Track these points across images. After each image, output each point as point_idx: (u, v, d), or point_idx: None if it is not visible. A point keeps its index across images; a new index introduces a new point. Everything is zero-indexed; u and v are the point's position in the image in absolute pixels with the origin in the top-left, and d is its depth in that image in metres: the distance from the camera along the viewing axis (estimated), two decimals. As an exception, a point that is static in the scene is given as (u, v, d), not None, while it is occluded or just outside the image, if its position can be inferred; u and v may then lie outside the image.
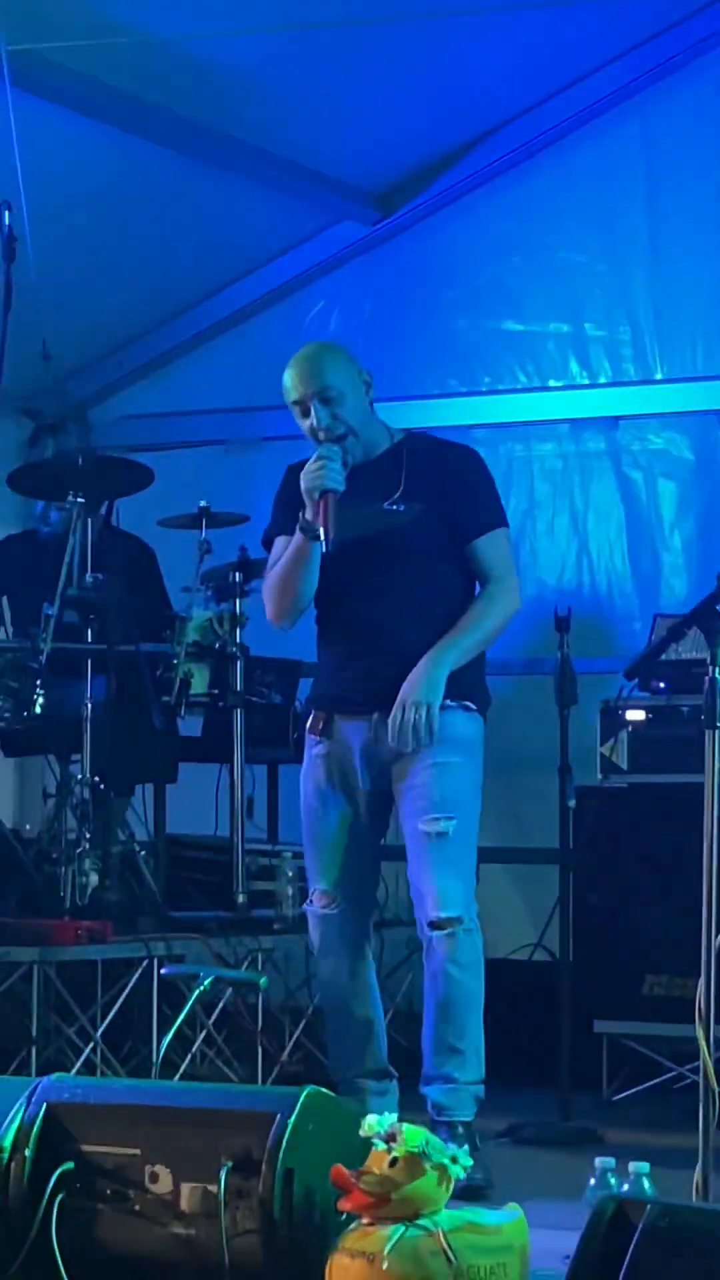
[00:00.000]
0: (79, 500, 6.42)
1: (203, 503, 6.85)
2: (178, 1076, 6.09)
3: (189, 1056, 6.23)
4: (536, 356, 7.93)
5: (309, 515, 5.02)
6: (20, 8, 6.18)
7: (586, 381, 7.84)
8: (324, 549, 4.99)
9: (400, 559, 5.14)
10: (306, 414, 5.15)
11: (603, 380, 7.82)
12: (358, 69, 7.26)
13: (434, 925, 5.11)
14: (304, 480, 5.02)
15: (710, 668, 3.70)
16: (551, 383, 7.91)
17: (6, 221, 6.14)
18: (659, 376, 7.71)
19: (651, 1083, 6.24)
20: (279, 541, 5.29)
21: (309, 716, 5.32)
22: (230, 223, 8.01)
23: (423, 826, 5.10)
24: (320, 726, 5.23)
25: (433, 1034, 5.16)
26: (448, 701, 5.11)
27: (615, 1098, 6.43)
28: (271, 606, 5.28)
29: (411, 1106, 5.10)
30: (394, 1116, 3.49)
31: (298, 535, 5.11)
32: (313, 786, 5.27)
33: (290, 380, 5.21)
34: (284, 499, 5.30)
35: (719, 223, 7.53)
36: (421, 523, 5.13)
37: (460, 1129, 5.07)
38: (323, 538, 4.96)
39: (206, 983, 3.99)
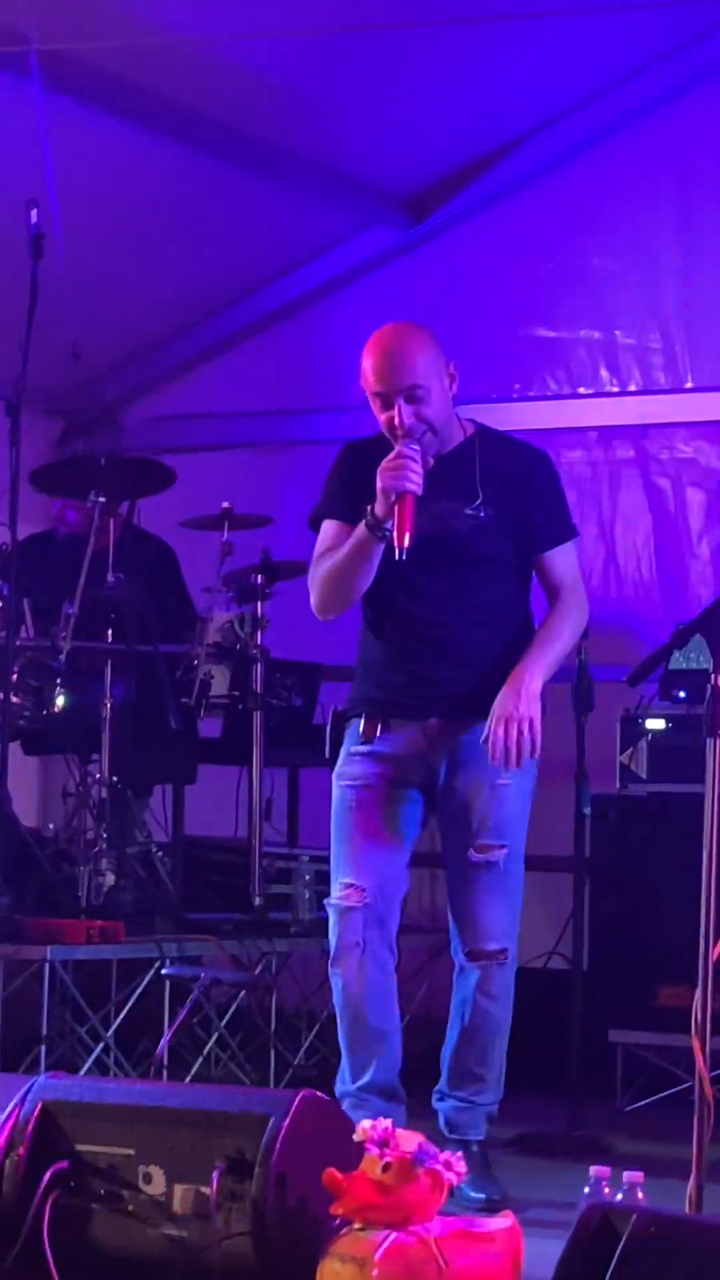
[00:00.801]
0: (100, 499, 6.42)
1: (225, 504, 6.82)
2: (189, 1078, 6.09)
3: (201, 1058, 6.22)
4: (567, 363, 7.92)
5: (379, 511, 4.75)
6: (51, 8, 6.19)
7: (616, 389, 7.83)
8: (397, 556, 4.72)
9: (469, 563, 4.93)
10: (389, 407, 4.85)
11: (632, 388, 7.80)
12: (392, 73, 7.25)
13: (473, 955, 4.95)
14: (382, 479, 4.72)
15: (713, 675, 3.68)
16: (581, 390, 7.89)
17: (34, 220, 6.14)
18: (689, 385, 7.69)
19: (665, 1094, 6.21)
20: (330, 526, 5.00)
21: (354, 719, 5.05)
22: (262, 226, 8.01)
23: (474, 854, 4.92)
24: (374, 733, 4.98)
25: (454, 1056, 5.03)
26: None
27: (629, 1108, 6.40)
28: (321, 597, 4.99)
29: (423, 1115, 5.02)
30: (389, 1121, 3.48)
31: (361, 530, 4.81)
32: (349, 781, 5.00)
33: (376, 370, 4.88)
34: (342, 480, 5.03)
35: (752, 231, 7.51)
36: (490, 528, 4.94)
37: (474, 1147, 4.94)
38: (396, 544, 4.69)
39: (206, 982, 3.94)
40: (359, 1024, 4.99)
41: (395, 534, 4.70)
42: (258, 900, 6.68)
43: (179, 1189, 3.55)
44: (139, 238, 7.80)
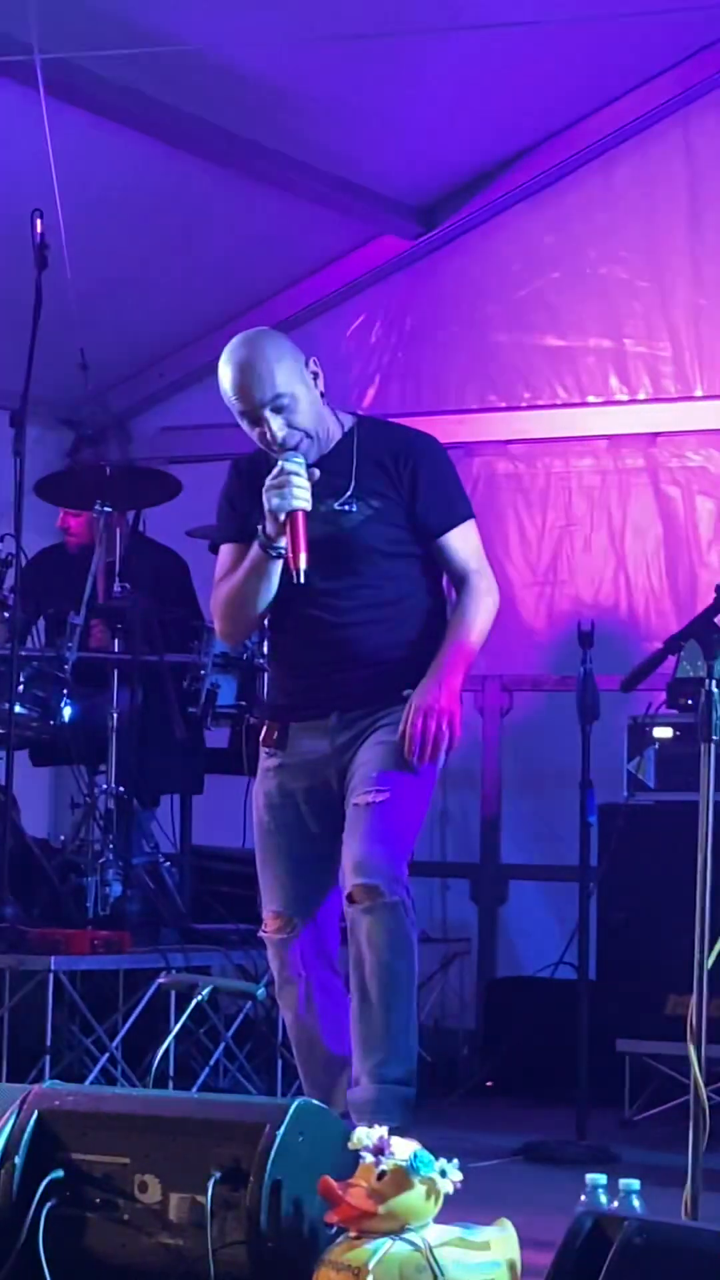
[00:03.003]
0: (106, 509, 6.42)
1: (233, 514, 6.80)
2: (196, 1088, 6.08)
3: (208, 1068, 6.21)
4: (576, 372, 7.92)
5: (269, 531, 4.64)
6: (57, 18, 6.20)
7: (626, 397, 7.83)
8: (295, 579, 4.59)
9: (356, 561, 4.77)
10: (257, 423, 4.69)
11: (642, 396, 7.80)
12: (401, 82, 7.25)
13: (350, 898, 4.64)
14: (268, 498, 4.60)
15: (708, 680, 3.66)
16: (591, 398, 7.89)
17: (39, 230, 6.15)
18: (699, 393, 7.69)
19: (673, 1103, 6.18)
20: (226, 550, 4.88)
21: (261, 728, 4.95)
22: (272, 235, 8.02)
23: (356, 799, 4.70)
24: (274, 737, 4.87)
25: (357, 1029, 4.66)
26: (409, 692, 4.74)
27: (636, 1117, 6.38)
28: (223, 624, 4.90)
29: (422, 1124, 4.96)
30: (384, 1129, 3.47)
31: (255, 551, 4.69)
32: (264, 801, 4.88)
33: (234, 388, 4.70)
34: (231, 501, 4.92)
35: (761, 240, 7.51)
36: (378, 521, 4.78)
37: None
38: (293, 566, 4.58)
39: (205, 992, 3.93)
40: (315, 1055, 4.82)
41: (290, 555, 4.59)
42: (265, 910, 6.66)
43: (174, 1198, 3.54)
44: (148, 248, 7.82)
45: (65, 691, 6.29)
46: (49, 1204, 3.57)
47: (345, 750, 4.79)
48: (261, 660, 6.63)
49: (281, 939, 4.81)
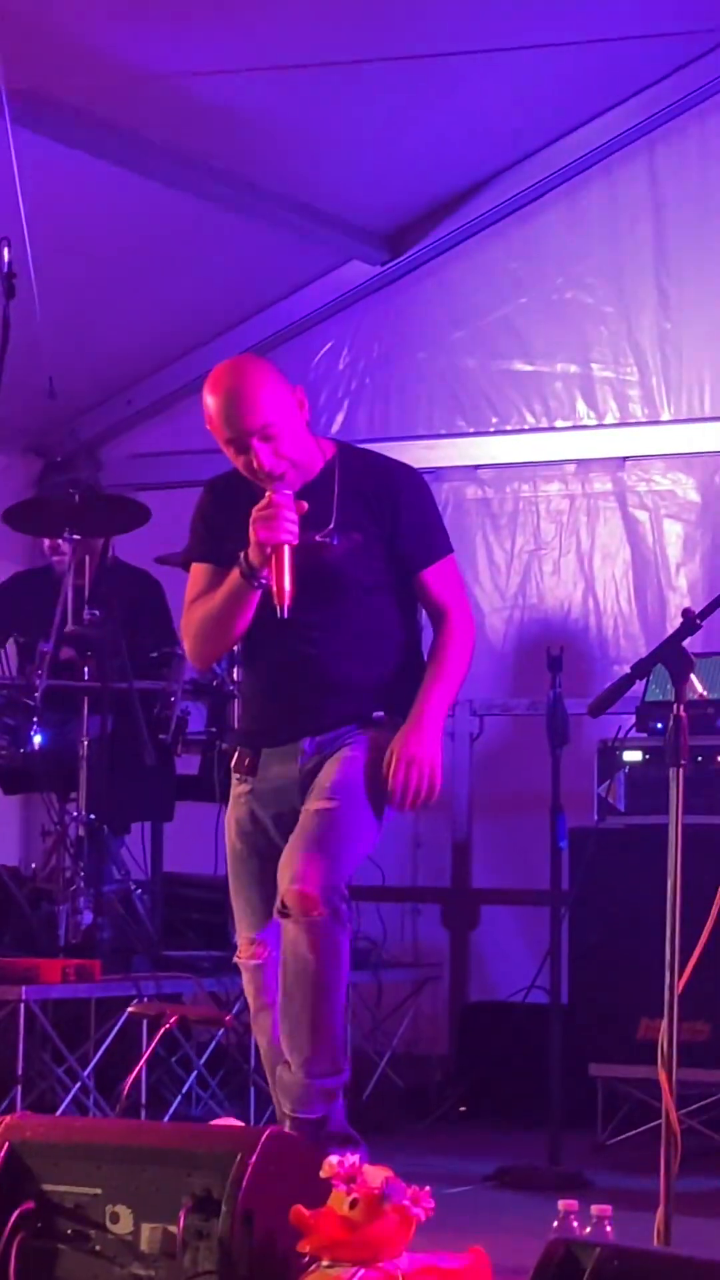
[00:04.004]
0: (74, 537, 6.42)
1: (201, 540, 6.80)
2: (168, 1116, 6.07)
3: (180, 1096, 6.20)
4: (544, 397, 7.93)
5: (254, 560, 4.59)
6: (23, 47, 6.20)
7: (593, 422, 7.85)
8: (280, 614, 4.54)
9: (334, 593, 4.73)
10: (244, 451, 4.65)
11: (610, 421, 7.82)
12: (367, 109, 7.28)
13: (283, 907, 4.57)
14: (256, 530, 4.55)
15: (675, 705, 3.67)
16: (558, 423, 7.91)
17: (6, 258, 6.14)
18: (666, 417, 7.71)
19: (646, 1127, 6.18)
20: (198, 570, 4.84)
21: (233, 755, 4.91)
22: (239, 262, 8.04)
23: (306, 805, 4.68)
24: (245, 764, 4.82)
25: (280, 1023, 4.65)
26: (379, 715, 4.75)
27: (609, 1142, 6.38)
28: (196, 646, 4.83)
29: (398, 1150, 4.98)
30: (356, 1157, 3.47)
31: (236, 579, 4.65)
32: (236, 827, 4.84)
33: (222, 416, 4.65)
34: (206, 521, 4.87)
35: (727, 264, 7.54)
36: (358, 554, 4.74)
37: (305, 1126, 4.53)
38: (277, 601, 4.53)
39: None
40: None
41: (275, 589, 4.55)
42: (236, 937, 6.65)
43: (146, 1228, 3.54)
44: (117, 275, 7.82)
45: (35, 719, 6.28)
46: (20, 1236, 3.56)
47: (313, 774, 4.77)
48: (232, 687, 6.64)
49: (256, 964, 4.78)
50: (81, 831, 6.36)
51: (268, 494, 4.59)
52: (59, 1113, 5.71)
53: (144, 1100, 6.03)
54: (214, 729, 6.68)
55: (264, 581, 4.60)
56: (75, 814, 6.46)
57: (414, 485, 4.91)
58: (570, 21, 6.89)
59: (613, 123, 7.66)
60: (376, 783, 4.72)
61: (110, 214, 7.44)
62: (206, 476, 8.41)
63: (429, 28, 6.77)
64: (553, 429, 7.90)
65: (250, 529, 4.58)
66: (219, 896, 6.79)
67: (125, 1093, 4.75)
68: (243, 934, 4.84)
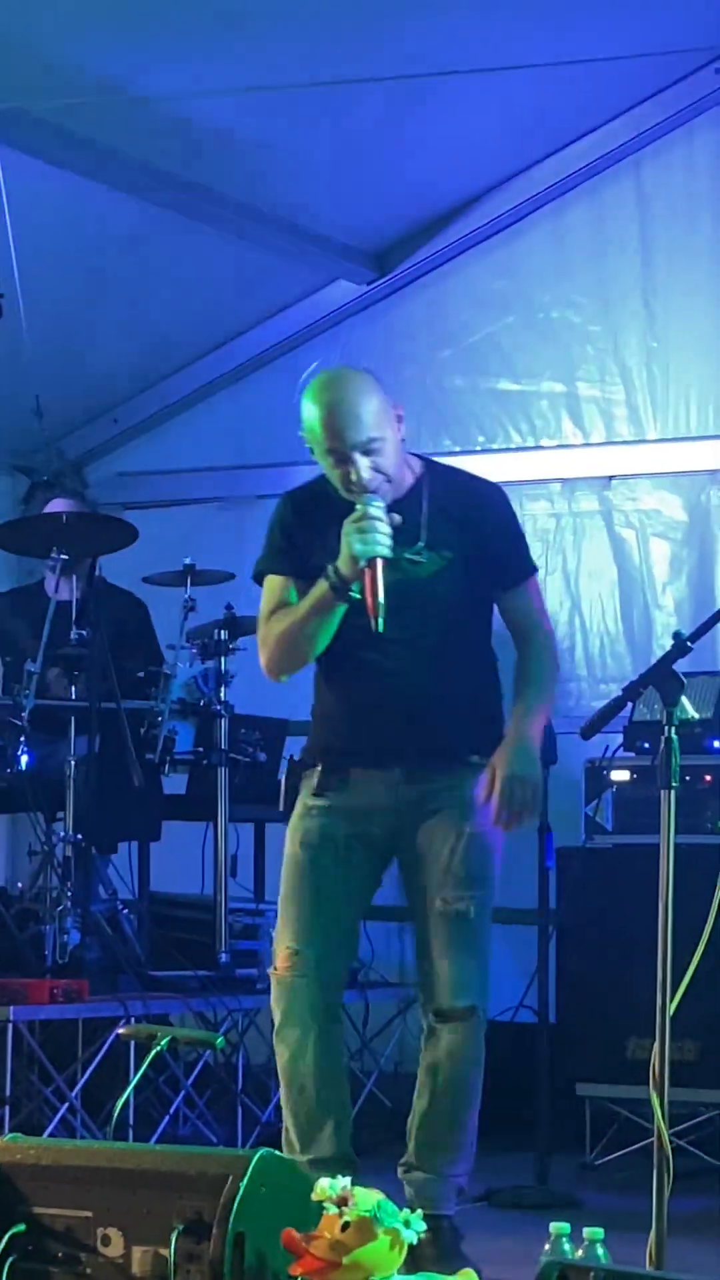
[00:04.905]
0: (62, 557, 6.43)
1: (188, 560, 6.81)
2: (156, 1137, 6.05)
3: (168, 1116, 6.19)
4: (530, 415, 7.94)
5: (344, 572, 4.55)
6: (7, 66, 6.22)
7: (580, 441, 7.86)
8: (374, 626, 4.50)
9: (423, 610, 4.69)
10: (343, 462, 4.60)
11: (596, 439, 7.82)
12: (353, 129, 7.29)
13: (442, 1014, 4.71)
14: (351, 542, 4.52)
15: (665, 727, 3.67)
16: (545, 442, 7.92)
17: (-7, 280, 6.16)
18: (652, 436, 7.72)
19: (634, 1146, 6.18)
20: (276, 582, 4.79)
21: (311, 769, 4.81)
22: (225, 281, 8.05)
23: (442, 904, 4.70)
24: (332, 782, 4.75)
25: (422, 1126, 4.77)
26: (476, 759, 4.73)
27: (598, 1162, 6.37)
28: (276, 658, 4.76)
29: (388, 1171, 4.93)
30: (347, 1180, 3.45)
31: (324, 591, 4.60)
32: (301, 838, 4.75)
33: (327, 426, 4.60)
34: (286, 533, 4.81)
35: (712, 283, 7.56)
36: (447, 571, 4.71)
37: (444, 1224, 4.69)
38: (371, 614, 4.49)
39: (164, 1043, 3.92)
40: (304, 1099, 4.74)
41: (369, 601, 4.51)
42: (224, 957, 6.66)
43: (137, 1251, 3.52)
44: (103, 294, 7.83)
45: (22, 739, 6.27)
46: (10, 1258, 3.55)
47: (409, 810, 4.74)
48: (219, 706, 6.64)
49: (293, 978, 4.70)
50: (69, 851, 6.35)
51: (361, 506, 4.56)
52: (46, 1133, 5.69)
53: (131, 1121, 6.01)
54: (200, 748, 6.68)
55: (354, 595, 4.56)
56: (62, 834, 6.45)
57: (502, 503, 4.91)
58: (556, 42, 6.90)
59: (599, 142, 7.69)
60: (493, 845, 4.77)
61: (97, 233, 7.45)
62: (193, 496, 8.62)
63: (415, 48, 6.78)
64: (539, 448, 7.91)
65: (343, 540, 4.55)
66: (206, 916, 6.82)
67: (115, 1114, 4.70)
68: (284, 944, 4.73)
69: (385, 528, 4.53)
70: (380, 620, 4.51)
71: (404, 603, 4.62)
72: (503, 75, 7.00)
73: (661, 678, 3.70)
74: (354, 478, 4.60)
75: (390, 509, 4.62)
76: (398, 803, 4.74)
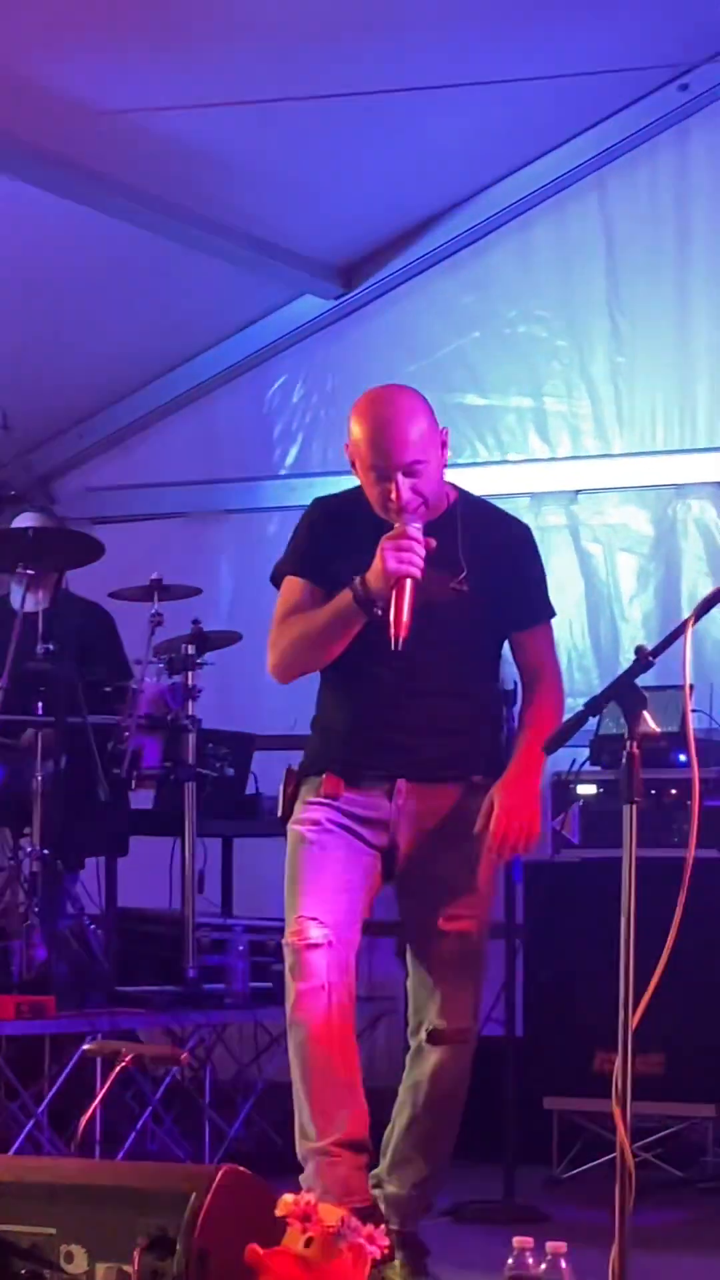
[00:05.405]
0: (28, 572, 6.42)
1: (155, 575, 6.81)
2: (123, 1153, 6.05)
3: (135, 1132, 6.18)
4: (497, 430, 7.97)
5: (374, 587, 4.53)
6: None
7: (547, 455, 7.88)
8: (395, 646, 4.48)
9: (441, 634, 4.67)
10: (384, 480, 4.57)
11: (562, 454, 7.85)
12: (320, 144, 7.31)
13: (435, 1035, 4.71)
14: (386, 559, 4.50)
15: (627, 742, 3.68)
16: (511, 456, 7.93)
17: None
18: (618, 450, 7.74)
19: (601, 1160, 6.18)
20: (295, 584, 4.76)
21: (314, 776, 4.76)
22: (193, 297, 8.06)
23: (444, 924, 4.70)
24: (339, 792, 4.71)
25: (399, 1143, 4.75)
26: (479, 779, 4.74)
27: (565, 1175, 6.38)
28: (287, 660, 4.75)
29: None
30: (311, 1196, 3.46)
31: (349, 601, 4.58)
32: (311, 826, 4.70)
33: (374, 443, 4.58)
34: (315, 538, 4.79)
35: (677, 298, 7.61)
36: (470, 600, 4.71)
37: (409, 1239, 4.71)
38: (394, 633, 4.48)
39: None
40: (329, 1076, 4.60)
41: (394, 620, 4.50)
42: (192, 972, 6.65)
43: (101, 1268, 3.51)
44: (71, 309, 7.83)
45: (-10, 755, 6.27)
46: (-26, 1276, 3.55)
47: (411, 824, 4.73)
48: (186, 721, 6.64)
49: (314, 944, 4.60)
50: (35, 867, 6.34)
51: (399, 525, 4.55)
52: (13, 1150, 5.67)
53: (98, 1137, 6.01)
54: (168, 763, 6.68)
55: (378, 610, 4.55)
56: (29, 849, 6.44)
57: (530, 544, 4.90)
58: (521, 58, 6.93)
59: (563, 159, 7.73)
60: (494, 866, 4.79)
61: (64, 248, 7.45)
62: (161, 510, 8.62)
63: (382, 64, 6.81)
64: (506, 462, 7.93)
65: (378, 556, 4.52)
66: (173, 931, 6.81)
67: (81, 1132, 4.70)
68: (303, 915, 4.62)
69: (421, 550, 4.52)
70: (401, 639, 4.50)
71: (429, 626, 4.62)
72: (468, 91, 7.02)
73: (623, 693, 3.70)
74: (393, 496, 4.59)
75: (425, 531, 4.60)
76: (400, 816, 4.72)
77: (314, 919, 4.61)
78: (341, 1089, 4.60)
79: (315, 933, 4.60)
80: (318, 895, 4.64)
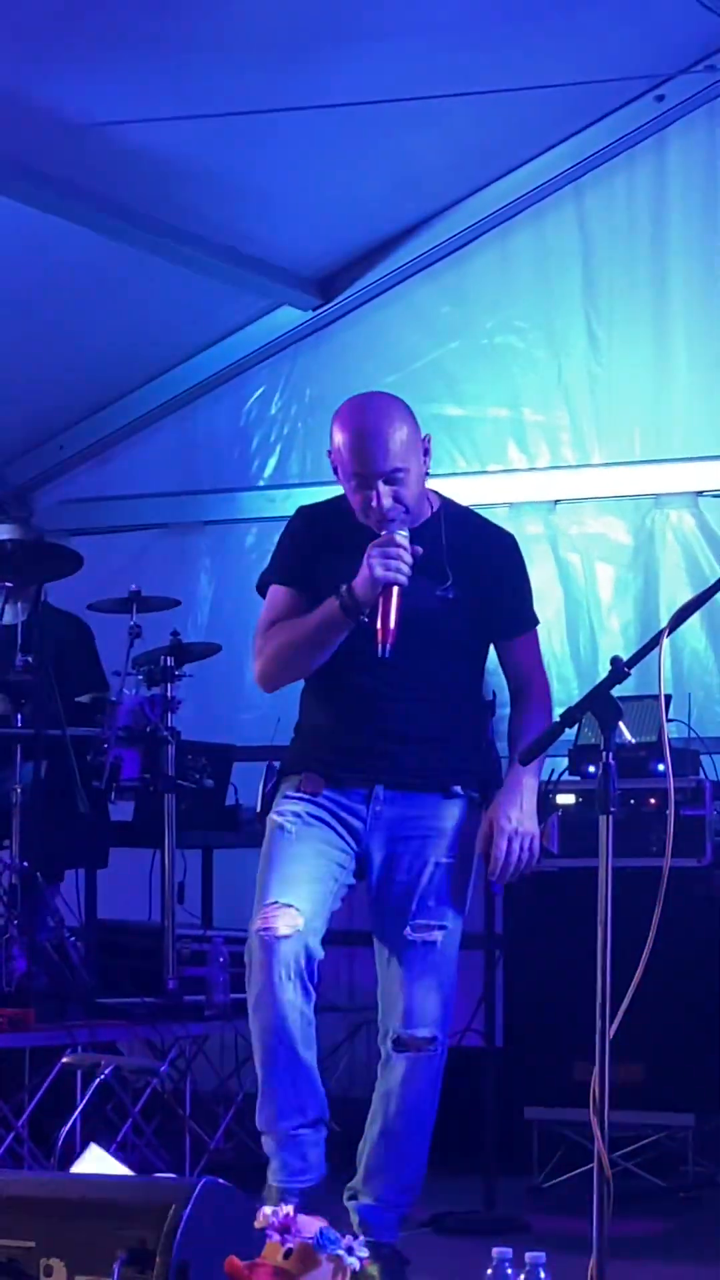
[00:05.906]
0: (7, 584, 6.43)
1: (134, 587, 6.81)
2: (102, 1165, 6.04)
3: (115, 1144, 6.16)
4: (475, 440, 7.97)
5: (360, 594, 4.56)
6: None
7: (525, 465, 7.88)
8: (381, 653, 4.52)
9: (431, 643, 4.70)
10: (365, 487, 4.60)
11: (541, 464, 7.86)
12: (297, 156, 7.31)
13: (400, 1044, 4.72)
14: (372, 565, 4.52)
15: (604, 753, 3.69)
16: (490, 466, 7.94)
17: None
18: (597, 460, 7.76)
19: (582, 1169, 6.18)
20: (280, 592, 4.78)
21: (294, 776, 4.77)
22: (170, 308, 8.06)
23: (411, 933, 4.71)
24: (318, 790, 4.71)
25: (372, 1153, 4.75)
26: (458, 789, 4.78)
27: (546, 1185, 6.38)
28: (272, 669, 4.77)
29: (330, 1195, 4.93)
30: (290, 1208, 3.46)
31: (334, 610, 4.60)
32: (288, 817, 4.70)
33: (355, 451, 4.60)
34: (298, 546, 4.81)
35: (654, 308, 7.62)
36: (454, 609, 4.73)
37: (386, 1250, 4.69)
38: (380, 640, 4.51)
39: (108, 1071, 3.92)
40: (294, 1061, 4.65)
41: (380, 628, 4.53)
42: (172, 984, 6.64)
43: (80, 1281, 3.52)
44: (48, 321, 7.82)
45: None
46: (-47, 1290, 3.55)
47: (386, 828, 4.74)
48: (165, 733, 6.63)
49: (282, 934, 4.59)
50: (15, 879, 6.34)
51: (388, 533, 4.57)
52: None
53: (79, 1149, 5.99)
54: (147, 775, 6.68)
55: (364, 618, 4.57)
56: (8, 861, 6.44)
57: (515, 553, 4.93)
58: (499, 70, 6.94)
59: (541, 169, 7.73)
60: (467, 876, 4.80)
61: (41, 260, 7.45)
62: (139, 521, 8.61)
63: (359, 75, 6.82)
64: (484, 472, 7.93)
65: (365, 563, 4.54)
66: (153, 943, 6.80)
67: (60, 1144, 4.69)
68: (273, 900, 4.62)
69: (408, 557, 4.54)
70: (388, 647, 4.52)
71: (412, 635, 4.62)
72: (445, 102, 7.03)
73: (599, 704, 3.71)
74: (374, 504, 4.61)
75: (411, 540, 4.62)
76: (376, 820, 4.74)
77: (283, 905, 4.61)
78: (305, 1075, 4.67)
79: (281, 919, 4.59)
80: (287, 882, 4.65)
